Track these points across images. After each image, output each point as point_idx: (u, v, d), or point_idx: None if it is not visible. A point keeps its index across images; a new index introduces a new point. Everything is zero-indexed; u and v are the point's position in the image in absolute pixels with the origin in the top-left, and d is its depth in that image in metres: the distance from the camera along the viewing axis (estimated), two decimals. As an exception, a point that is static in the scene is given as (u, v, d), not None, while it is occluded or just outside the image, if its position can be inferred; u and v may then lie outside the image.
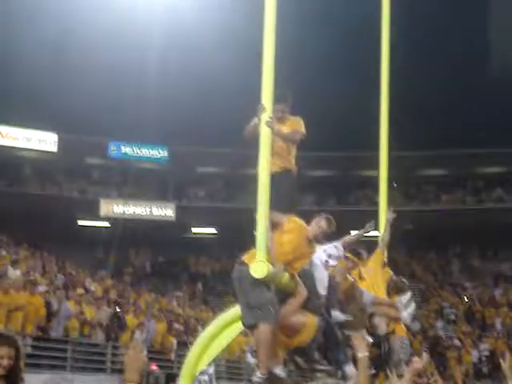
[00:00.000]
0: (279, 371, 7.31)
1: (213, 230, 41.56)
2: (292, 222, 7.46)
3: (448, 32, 38.59)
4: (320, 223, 7.61)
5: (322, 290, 8.08)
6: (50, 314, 16.31)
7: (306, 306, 7.55)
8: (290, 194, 8.04)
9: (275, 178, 7.40)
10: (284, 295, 7.55)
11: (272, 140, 7.48)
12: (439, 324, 32.62)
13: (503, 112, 36.96)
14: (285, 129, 7.98)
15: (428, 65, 38.45)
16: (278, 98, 7.74)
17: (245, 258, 7.30)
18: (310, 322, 7.51)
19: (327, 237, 7.99)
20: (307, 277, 7.71)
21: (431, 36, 38.09)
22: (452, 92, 38.12)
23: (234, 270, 7.38)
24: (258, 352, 7.08)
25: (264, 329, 6.97)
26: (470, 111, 38.07)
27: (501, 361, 5.96)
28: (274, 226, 7.33)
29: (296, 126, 8.10)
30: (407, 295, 10.31)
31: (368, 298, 9.34)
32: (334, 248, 8.52)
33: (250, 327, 7.21)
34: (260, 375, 6.99)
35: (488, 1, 42.70)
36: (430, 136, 37.16)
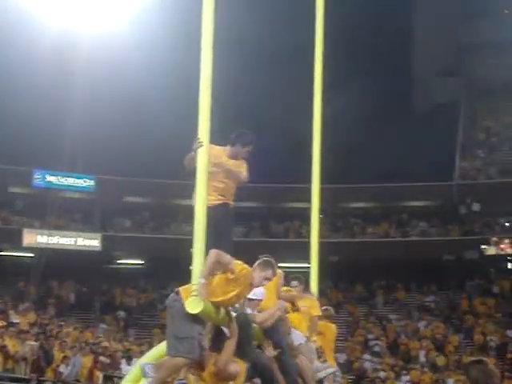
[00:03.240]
0: None
1: (139, 261, 41.13)
2: (241, 270, 7.42)
3: (372, 67, 39.44)
4: (266, 273, 7.72)
5: None
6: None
7: (238, 352, 7.52)
8: (230, 228, 8.09)
9: (215, 211, 7.43)
10: (219, 330, 7.57)
11: (221, 175, 7.64)
12: (365, 356, 32.89)
13: (427, 147, 37.77)
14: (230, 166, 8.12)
15: (352, 99, 39.14)
16: (247, 142, 8.13)
17: (181, 288, 7.27)
18: (241, 369, 7.50)
19: None
20: (242, 320, 7.69)
21: (361, 70, 38.84)
22: (376, 128, 38.80)
23: (168, 298, 7.36)
24: (158, 372, 7.08)
25: (179, 361, 7.02)
26: (394, 145, 38.80)
27: None
28: (220, 266, 7.30)
29: (242, 168, 8.24)
30: (329, 370, 10.38)
31: (297, 339, 9.32)
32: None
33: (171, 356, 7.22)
34: None
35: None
36: (356, 169, 37.76)
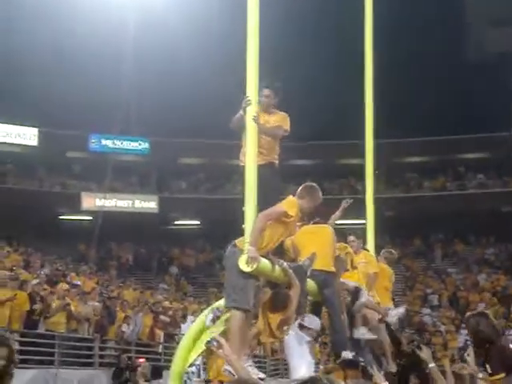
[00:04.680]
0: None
1: (196, 222, 41.50)
2: (293, 209, 7.41)
3: (428, 18, 38.67)
4: (314, 200, 7.64)
5: None
6: (42, 310, 16.21)
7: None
8: (277, 187, 8.06)
9: (261, 171, 7.39)
10: (274, 286, 7.61)
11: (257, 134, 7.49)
12: (424, 310, 32.82)
13: (482, 97, 37.11)
14: (270, 123, 7.99)
15: (406, 50, 38.48)
16: (261, 87, 7.81)
17: (238, 241, 7.30)
18: None
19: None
20: (299, 273, 7.71)
21: (413, 21, 38.15)
22: (431, 78, 38.21)
23: (227, 251, 7.40)
24: (231, 340, 7.09)
25: (239, 316, 7.07)
26: (449, 97, 38.19)
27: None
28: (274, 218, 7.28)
29: (281, 121, 8.11)
30: (400, 310, 10.47)
31: (362, 298, 9.32)
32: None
33: (228, 308, 7.32)
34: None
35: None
36: (411, 123, 37.28)
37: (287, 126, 8.13)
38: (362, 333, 9.16)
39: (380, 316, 9.73)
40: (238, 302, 7.06)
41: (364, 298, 9.30)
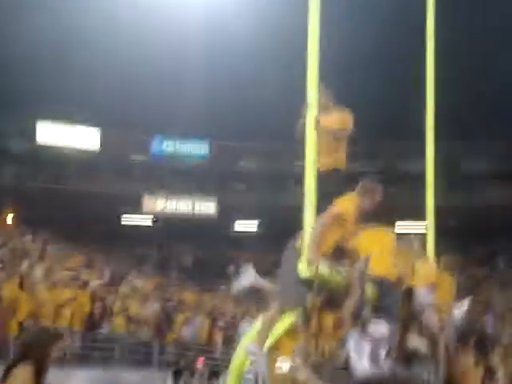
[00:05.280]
0: None
1: (255, 226, 41.53)
2: (349, 210, 7.33)
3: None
4: (375, 195, 7.51)
5: None
6: (103, 311, 16.41)
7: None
8: (337, 195, 7.90)
9: (322, 178, 7.28)
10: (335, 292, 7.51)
11: (319, 137, 7.30)
12: (486, 319, 32.18)
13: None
14: (331, 124, 7.78)
15: (467, 55, 37.81)
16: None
17: (297, 244, 7.23)
18: None
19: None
20: (358, 277, 7.57)
21: (481, 20, 37.49)
22: (499, 79, 37.37)
23: (285, 253, 7.33)
24: (263, 327, 7.08)
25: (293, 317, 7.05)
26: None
27: None
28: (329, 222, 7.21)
29: (341, 120, 7.89)
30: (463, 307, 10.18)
31: (426, 298, 9.12)
32: None
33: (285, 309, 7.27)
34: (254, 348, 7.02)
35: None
36: (475, 127, 36.63)
37: (348, 124, 7.82)
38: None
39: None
40: (290, 301, 7.01)
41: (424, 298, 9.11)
